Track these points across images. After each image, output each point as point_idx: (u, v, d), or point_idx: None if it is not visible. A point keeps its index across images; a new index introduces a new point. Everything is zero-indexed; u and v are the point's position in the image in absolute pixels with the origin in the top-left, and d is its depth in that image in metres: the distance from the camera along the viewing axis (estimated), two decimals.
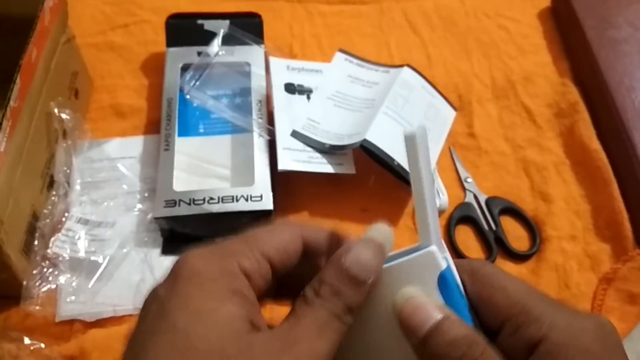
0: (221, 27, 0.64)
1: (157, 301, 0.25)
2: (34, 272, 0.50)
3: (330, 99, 0.62)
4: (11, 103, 0.44)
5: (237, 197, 0.53)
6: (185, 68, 0.61)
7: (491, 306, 0.28)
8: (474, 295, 0.28)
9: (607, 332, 0.26)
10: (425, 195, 0.27)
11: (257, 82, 0.62)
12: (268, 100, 0.60)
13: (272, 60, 0.62)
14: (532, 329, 0.26)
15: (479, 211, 0.58)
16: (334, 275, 0.26)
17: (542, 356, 0.25)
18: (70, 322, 0.50)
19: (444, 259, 0.27)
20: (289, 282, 0.29)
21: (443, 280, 0.27)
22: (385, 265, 0.27)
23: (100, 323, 0.50)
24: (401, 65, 0.63)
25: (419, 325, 0.26)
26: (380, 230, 0.28)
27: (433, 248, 0.27)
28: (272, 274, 0.27)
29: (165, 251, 0.53)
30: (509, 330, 0.27)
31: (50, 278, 0.50)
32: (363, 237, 0.27)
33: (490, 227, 0.57)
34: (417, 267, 0.27)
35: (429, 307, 0.26)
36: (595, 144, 0.62)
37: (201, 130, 0.60)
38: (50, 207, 0.52)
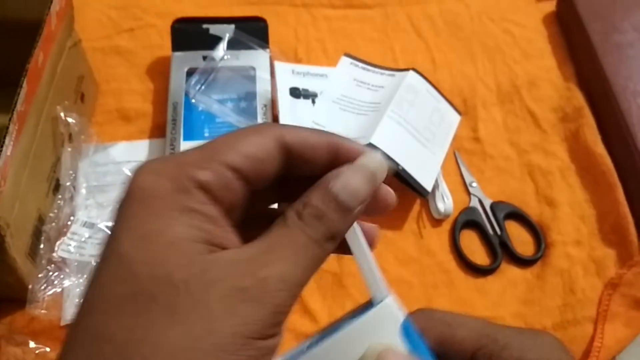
0: (226, 32, 0.64)
1: (112, 224, 0.23)
2: (40, 275, 0.50)
3: (336, 102, 0.62)
4: (18, 107, 0.44)
5: None
6: (190, 72, 0.62)
7: (456, 343, 0.28)
8: (436, 338, 0.28)
9: (559, 343, 0.29)
10: (365, 248, 0.26)
11: (262, 87, 0.62)
12: (273, 105, 0.61)
13: (277, 64, 0.62)
14: (504, 355, 0.26)
15: (483, 216, 0.58)
16: (320, 198, 0.24)
17: None
18: None
19: (400, 309, 0.26)
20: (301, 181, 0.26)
21: (406, 330, 0.26)
22: (342, 331, 0.26)
23: None
24: (407, 69, 0.63)
25: None
26: (374, 158, 0.25)
27: (390, 299, 0.26)
28: (244, 183, 0.24)
29: None
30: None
31: (55, 281, 0.50)
32: (355, 163, 0.25)
33: (495, 232, 0.57)
34: (377, 323, 0.26)
35: (403, 358, 0.25)
36: (600, 149, 0.61)
37: (206, 134, 0.60)
38: (56, 210, 0.53)
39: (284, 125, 0.26)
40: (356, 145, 0.26)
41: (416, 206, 0.58)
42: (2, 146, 0.43)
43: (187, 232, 0.22)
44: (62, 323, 0.50)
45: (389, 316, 0.26)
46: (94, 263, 0.51)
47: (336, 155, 0.26)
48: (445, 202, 0.58)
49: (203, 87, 0.60)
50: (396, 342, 0.26)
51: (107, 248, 0.22)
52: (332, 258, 0.25)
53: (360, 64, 0.65)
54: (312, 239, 0.23)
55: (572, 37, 0.72)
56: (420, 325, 0.27)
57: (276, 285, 0.21)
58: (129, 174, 0.56)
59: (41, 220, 0.51)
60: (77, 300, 0.50)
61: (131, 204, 0.22)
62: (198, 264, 0.21)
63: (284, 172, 0.25)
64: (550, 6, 0.75)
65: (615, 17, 0.69)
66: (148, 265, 0.21)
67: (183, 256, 0.21)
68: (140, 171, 0.23)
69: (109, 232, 0.22)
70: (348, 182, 0.24)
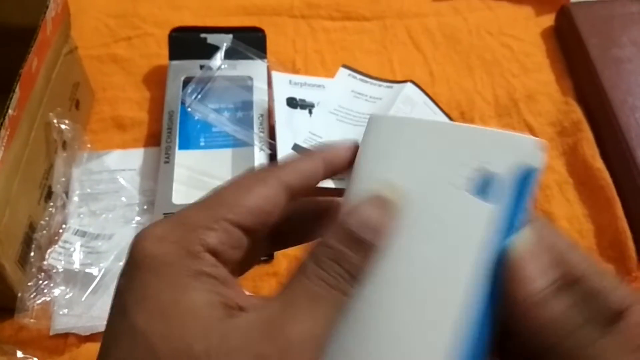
0: (224, 41, 0.64)
1: (117, 295, 0.22)
2: (29, 284, 0.49)
3: (333, 113, 0.61)
4: (10, 112, 0.44)
5: None
6: (187, 81, 0.61)
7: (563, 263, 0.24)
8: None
9: None
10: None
11: (259, 96, 0.62)
12: (270, 115, 0.60)
13: (275, 74, 0.62)
14: (614, 297, 0.22)
15: None
16: (336, 238, 0.22)
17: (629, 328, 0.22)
18: (65, 335, 0.49)
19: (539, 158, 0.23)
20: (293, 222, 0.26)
21: (527, 180, 0.23)
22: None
23: (95, 337, 0.49)
24: (404, 81, 0.63)
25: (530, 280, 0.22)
26: (385, 185, 0.24)
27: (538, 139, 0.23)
28: (249, 238, 0.23)
29: None
30: (584, 293, 0.23)
31: (45, 290, 0.50)
32: (368, 195, 0.24)
33: None
34: (502, 148, 0.23)
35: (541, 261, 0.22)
36: (598, 163, 0.61)
37: (202, 144, 0.59)
38: (47, 218, 0.52)
39: (282, 166, 0.25)
40: (342, 150, 0.26)
41: None
42: None
43: (203, 298, 0.21)
44: (51, 333, 0.49)
45: (526, 152, 0.23)
46: (87, 270, 0.50)
47: (332, 170, 0.26)
48: None
49: (199, 96, 0.60)
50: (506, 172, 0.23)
51: (119, 322, 0.21)
52: None
53: (358, 76, 0.65)
54: (333, 286, 0.22)
55: (570, 51, 0.72)
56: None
57: (299, 347, 0.20)
58: (123, 182, 0.56)
59: (32, 228, 0.50)
60: (66, 310, 0.49)
61: (140, 273, 0.21)
62: (217, 331, 0.20)
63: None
64: (549, 20, 0.75)
65: (614, 32, 0.69)
66: (167, 339, 0.20)
67: (202, 325, 0.20)
68: (144, 237, 0.22)
69: (115, 303, 0.21)
70: (362, 215, 0.23)
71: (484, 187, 0.23)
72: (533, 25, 0.76)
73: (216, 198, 0.23)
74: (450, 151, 0.24)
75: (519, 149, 0.23)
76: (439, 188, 0.24)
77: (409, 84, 0.61)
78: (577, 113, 0.66)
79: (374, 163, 0.26)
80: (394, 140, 0.25)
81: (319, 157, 0.26)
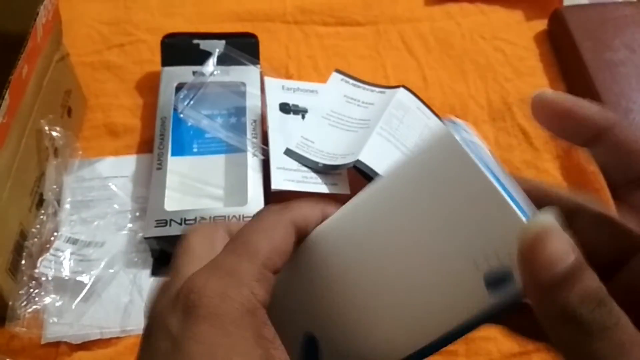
0: (217, 47, 0.63)
1: (169, 338, 0.22)
2: (20, 292, 0.49)
3: (326, 118, 0.61)
4: None
5: (229, 217, 0.53)
6: (180, 87, 0.61)
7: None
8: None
9: None
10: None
11: (252, 102, 0.61)
12: (263, 120, 0.60)
13: (267, 80, 0.62)
14: None
15: None
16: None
17: None
18: (56, 344, 0.49)
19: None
20: None
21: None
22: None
23: (86, 345, 0.48)
24: (397, 86, 0.62)
25: (550, 264, 0.20)
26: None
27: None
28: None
29: (155, 272, 0.52)
30: None
31: (36, 299, 0.49)
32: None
33: None
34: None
35: (565, 241, 0.20)
36: (592, 167, 0.61)
37: (195, 150, 0.59)
38: (38, 226, 0.52)
39: (291, 207, 0.27)
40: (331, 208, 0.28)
41: None
42: None
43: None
44: (43, 341, 0.48)
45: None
46: (78, 278, 0.50)
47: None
48: None
49: (192, 102, 0.60)
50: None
51: None
52: None
53: (351, 81, 0.65)
54: None
55: (563, 55, 0.72)
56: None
57: None
58: (115, 189, 0.56)
59: (23, 236, 0.50)
60: (57, 318, 0.48)
61: (204, 326, 0.22)
62: None
63: None
64: (542, 24, 0.75)
65: (607, 35, 0.69)
66: None
67: None
68: (201, 284, 0.23)
69: (171, 347, 0.22)
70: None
71: (498, 282, 0.23)
72: (526, 29, 0.76)
73: (250, 245, 0.25)
74: (491, 227, 0.23)
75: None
76: (459, 252, 0.23)
77: (402, 89, 0.61)
78: None
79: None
80: (457, 175, 0.24)
81: (319, 207, 0.28)
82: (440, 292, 0.24)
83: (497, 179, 0.23)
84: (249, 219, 0.28)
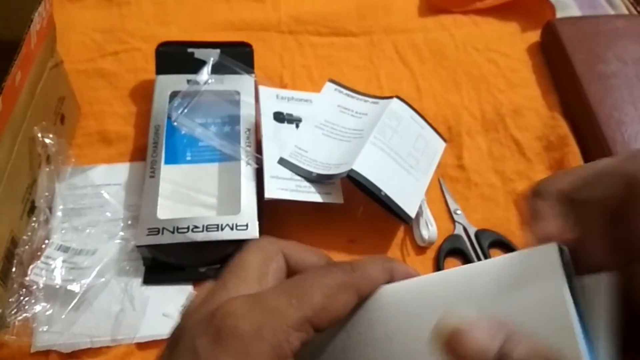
0: (211, 56, 0.64)
1: (194, 358, 0.23)
2: (10, 300, 0.48)
3: (319, 127, 0.61)
4: None
5: (222, 225, 0.52)
6: (174, 95, 0.61)
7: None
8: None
9: None
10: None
11: (247, 111, 0.61)
12: (257, 129, 0.60)
13: (262, 89, 0.62)
14: None
15: (468, 243, 0.57)
16: None
17: None
18: (46, 352, 0.48)
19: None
20: None
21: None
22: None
23: (76, 354, 0.48)
24: (390, 97, 0.63)
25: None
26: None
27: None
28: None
29: (147, 281, 0.52)
30: None
31: (26, 307, 0.49)
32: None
33: (480, 260, 0.56)
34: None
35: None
36: None
37: (188, 158, 0.59)
38: (30, 233, 0.51)
39: (359, 269, 0.27)
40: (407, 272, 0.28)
41: (400, 233, 0.58)
42: None
43: None
44: (32, 350, 0.48)
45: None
46: (69, 287, 0.49)
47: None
48: (430, 229, 0.57)
49: (186, 111, 0.60)
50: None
51: None
52: None
53: (345, 91, 0.65)
54: None
55: (556, 66, 0.72)
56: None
57: None
58: (108, 197, 0.56)
59: (14, 243, 0.50)
60: (47, 327, 0.48)
61: (229, 357, 0.22)
62: None
63: None
64: (535, 36, 0.76)
65: (599, 48, 0.70)
66: None
67: None
68: (235, 317, 0.23)
69: None
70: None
71: None
72: (519, 41, 0.76)
73: (305, 293, 0.24)
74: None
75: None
76: None
77: (395, 100, 0.61)
78: (564, 128, 0.66)
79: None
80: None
81: (388, 268, 0.27)
82: None
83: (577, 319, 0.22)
84: (307, 246, 0.28)
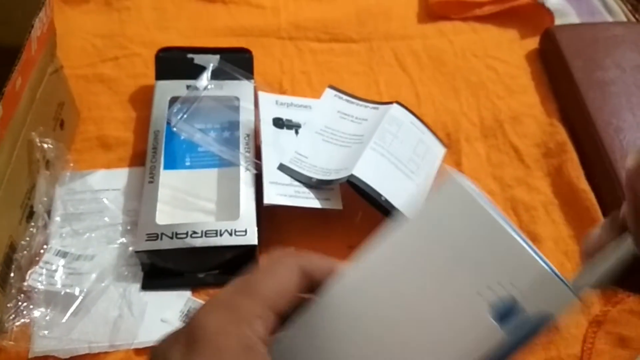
0: (211, 62, 0.64)
1: None
2: (9, 305, 0.48)
3: (319, 133, 0.61)
4: None
5: (220, 231, 0.52)
6: (173, 101, 0.61)
7: None
8: None
9: None
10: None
11: (246, 117, 0.62)
12: (256, 135, 0.60)
13: (261, 94, 0.62)
14: None
15: None
16: None
17: None
18: (44, 358, 0.48)
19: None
20: None
21: (542, 325, 0.24)
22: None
23: None
24: (390, 102, 0.63)
25: None
26: None
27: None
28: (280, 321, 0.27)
29: (146, 286, 0.52)
30: None
31: (25, 312, 0.49)
32: None
33: None
34: (543, 290, 0.24)
35: None
36: (583, 184, 0.61)
37: (188, 163, 0.59)
38: (28, 238, 0.51)
39: (300, 254, 0.29)
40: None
41: None
42: None
43: None
44: (30, 355, 0.48)
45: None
46: (68, 291, 0.49)
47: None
48: None
49: (185, 116, 0.60)
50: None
51: None
52: None
53: (344, 97, 0.65)
54: None
55: (555, 73, 0.72)
56: None
57: None
58: (107, 202, 0.56)
59: (13, 248, 0.49)
60: (46, 332, 0.48)
61: (204, 356, 0.24)
62: None
63: None
64: (534, 43, 0.76)
65: (598, 55, 0.70)
66: None
67: None
68: (204, 320, 0.25)
69: None
70: None
71: (506, 314, 0.24)
72: (518, 48, 0.77)
73: (253, 284, 0.26)
74: (496, 260, 0.25)
75: (556, 299, 0.24)
76: (466, 290, 0.25)
77: (395, 105, 0.62)
78: (562, 134, 0.66)
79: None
80: (460, 217, 0.27)
81: (328, 259, 0.30)
82: (454, 329, 0.25)
83: (503, 219, 0.25)
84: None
